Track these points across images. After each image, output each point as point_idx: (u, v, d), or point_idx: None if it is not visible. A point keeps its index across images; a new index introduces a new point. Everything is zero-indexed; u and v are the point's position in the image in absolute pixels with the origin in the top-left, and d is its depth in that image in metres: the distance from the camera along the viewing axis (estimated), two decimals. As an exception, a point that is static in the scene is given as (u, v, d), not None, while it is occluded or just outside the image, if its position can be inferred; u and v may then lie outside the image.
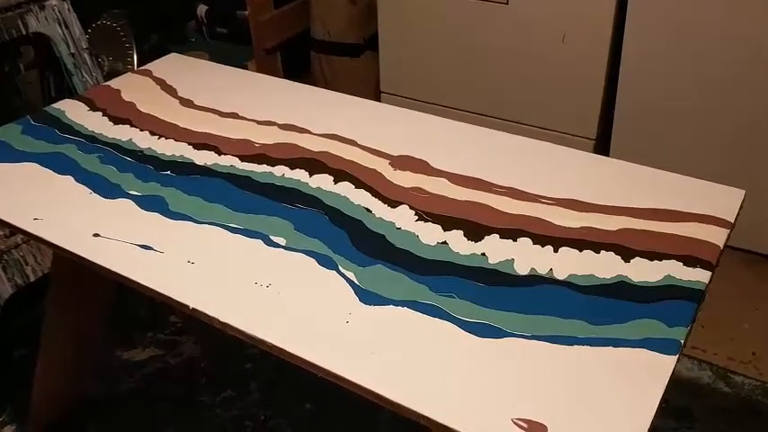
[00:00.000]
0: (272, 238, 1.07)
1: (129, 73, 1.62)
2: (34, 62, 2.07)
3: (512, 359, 0.85)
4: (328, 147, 1.28)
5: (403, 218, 1.09)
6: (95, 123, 1.40)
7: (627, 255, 0.99)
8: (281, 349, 0.88)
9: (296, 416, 1.65)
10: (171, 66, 1.62)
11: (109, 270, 1.03)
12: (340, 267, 1.00)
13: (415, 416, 0.79)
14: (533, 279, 0.96)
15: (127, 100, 1.48)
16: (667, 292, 0.92)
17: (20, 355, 1.82)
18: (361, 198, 1.14)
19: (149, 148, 1.31)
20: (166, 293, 0.98)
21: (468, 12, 2.20)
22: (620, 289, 0.94)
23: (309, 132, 1.33)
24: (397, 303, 0.93)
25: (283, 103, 1.44)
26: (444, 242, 1.04)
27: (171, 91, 1.50)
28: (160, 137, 1.34)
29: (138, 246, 1.06)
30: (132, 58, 2.26)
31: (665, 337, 0.85)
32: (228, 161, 1.26)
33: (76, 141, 1.34)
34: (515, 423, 0.77)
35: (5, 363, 1.82)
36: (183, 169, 1.24)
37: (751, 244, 2.01)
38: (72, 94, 1.88)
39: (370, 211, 1.11)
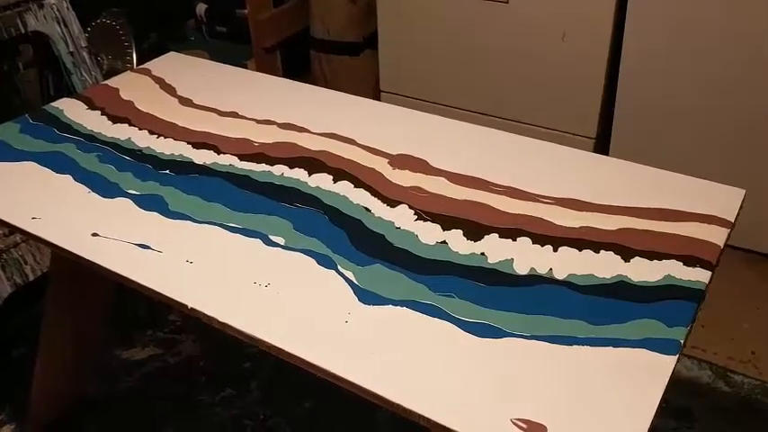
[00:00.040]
0: (270, 237, 1.06)
1: (128, 72, 1.62)
2: (33, 61, 2.07)
3: (511, 359, 0.84)
4: (327, 146, 1.27)
5: (402, 217, 1.09)
6: (94, 122, 1.40)
7: (627, 254, 0.99)
8: (280, 349, 0.88)
9: (295, 415, 1.64)
10: (170, 64, 1.61)
11: (107, 269, 1.03)
12: (339, 267, 1.00)
13: (415, 416, 0.79)
14: (533, 279, 0.96)
15: (126, 99, 1.47)
16: (667, 291, 0.92)
17: (19, 354, 1.82)
18: (360, 197, 1.14)
19: (148, 147, 1.31)
20: (165, 293, 0.98)
21: (467, 10, 2.20)
22: (620, 289, 0.93)
23: (309, 131, 1.32)
24: (396, 303, 0.93)
25: (282, 102, 1.43)
26: (444, 242, 1.04)
27: (170, 90, 1.50)
28: (159, 136, 1.34)
29: (137, 245, 1.06)
30: (131, 57, 2.26)
31: (664, 337, 0.85)
32: (227, 160, 1.26)
33: (75, 140, 1.34)
34: (515, 423, 0.76)
35: (4, 362, 1.81)
36: (182, 168, 1.24)
37: (751, 243, 2.01)
38: (71, 92, 1.88)
39: (370, 211, 1.11)
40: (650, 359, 0.83)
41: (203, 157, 1.27)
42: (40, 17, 1.85)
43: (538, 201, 1.11)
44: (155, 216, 1.13)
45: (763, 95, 1.85)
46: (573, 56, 2.07)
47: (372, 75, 2.57)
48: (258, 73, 1.66)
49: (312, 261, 1.01)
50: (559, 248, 1.01)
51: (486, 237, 1.04)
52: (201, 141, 1.31)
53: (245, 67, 2.38)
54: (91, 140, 1.34)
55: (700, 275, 0.94)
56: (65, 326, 1.54)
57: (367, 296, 0.94)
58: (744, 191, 1.10)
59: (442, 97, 2.36)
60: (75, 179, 1.22)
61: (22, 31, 1.83)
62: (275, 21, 2.66)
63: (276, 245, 1.05)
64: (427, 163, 1.21)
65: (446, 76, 2.34)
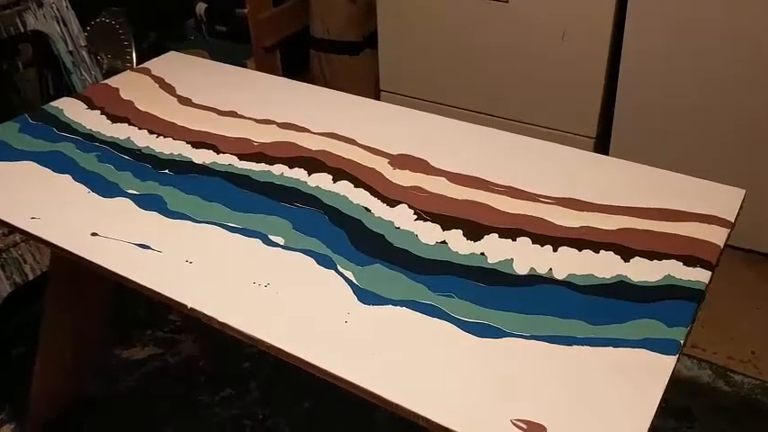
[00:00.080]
0: (270, 237, 1.06)
1: (128, 71, 1.62)
2: (32, 60, 2.07)
3: (511, 359, 0.84)
4: (327, 145, 1.27)
5: (402, 217, 1.09)
6: (93, 122, 1.40)
7: (626, 254, 0.99)
8: (280, 349, 0.88)
9: (294, 415, 1.64)
10: (169, 64, 1.61)
11: (107, 269, 1.03)
12: (339, 267, 1.00)
13: (414, 416, 0.79)
14: (532, 279, 0.96)
15: (125, 98, 1.47)
16: (667, 291, 0.92)
17: (18, 353, 1.82)
18: (360, 197, 1.14)
19: (147, 147, 1.30)
20: (165, 293, 0.98)
21: (467, 10, 2.20)
22: (620, 289, 0.93)
23: (308, 131, 1.32)
24: (395, 303, 0.93)
25: (282, 101, 1.43)
26: (443, 241, 1.03)
27: (169, 89, 1.50)
28: (158, 135, 1.34)
29: (136, 245, 1.06)
30: (131, 56, 2.26)
31: (664, 338, 0.85)
32: (227, 160, 1.25)
33: (74, 140, 1.34)
34: (514, 424, 0.76)
35: (4, 361, 1.81)
36: (182, 168, 1.24)
37: (751, 243, 2.01)
38: (70, 92, 1.88)
39: (369, 211, 1.11)
40: (650, 359, 0.83)
41: (203, 156, 1.27)
42: (39, 16, 1.85)
43: (538, 201, 1.10)
44: (154, 216, 1.12)
45: (763, 95, 1.85)
46: (573, 55, 2.07)
47: (372, 74, 2.57)
48: (258, 72, 1.66)
49: (312, 261, 1.01)
50: (559, 248, 1.01)
51: (485, 237, 1.04)
52: (201, 141, 1.31)
53: (244, 66, 2.38)
54: (90, 140, 1.34)
55: (700, 275, 0.94)
56: (64, 325, 1.54)
57: (367, 296, 0.94)
58: (744, 191, 1.10)
59: (442, 97, 2.36)
60: (74, 179, 1.22)
61: (22, 30, 1.82)
62: (275, 20, 2.66)
63: (276, 245, 1.05)
64: (427, 163, 1.21)
65: (446, 76, 2.34)
